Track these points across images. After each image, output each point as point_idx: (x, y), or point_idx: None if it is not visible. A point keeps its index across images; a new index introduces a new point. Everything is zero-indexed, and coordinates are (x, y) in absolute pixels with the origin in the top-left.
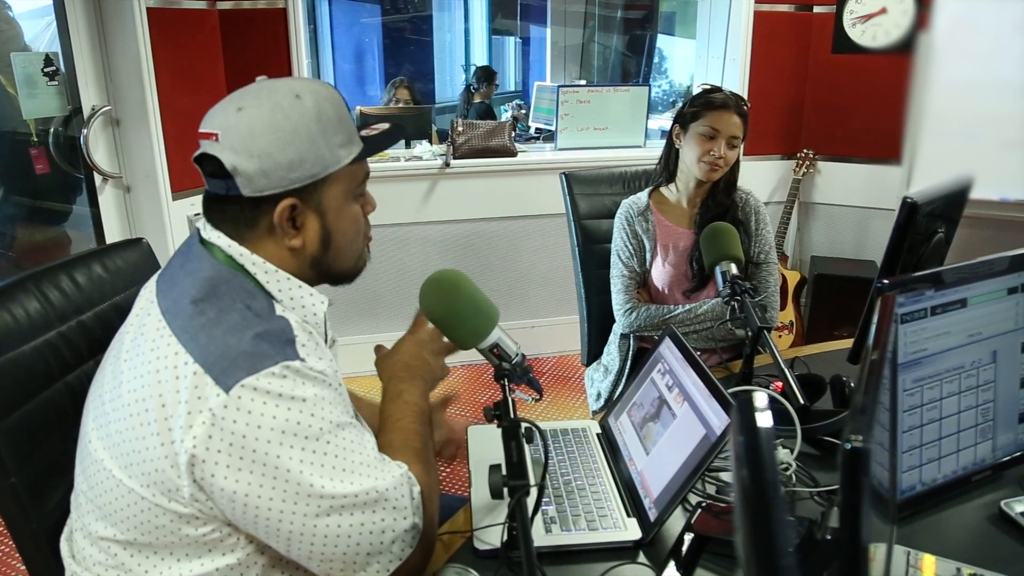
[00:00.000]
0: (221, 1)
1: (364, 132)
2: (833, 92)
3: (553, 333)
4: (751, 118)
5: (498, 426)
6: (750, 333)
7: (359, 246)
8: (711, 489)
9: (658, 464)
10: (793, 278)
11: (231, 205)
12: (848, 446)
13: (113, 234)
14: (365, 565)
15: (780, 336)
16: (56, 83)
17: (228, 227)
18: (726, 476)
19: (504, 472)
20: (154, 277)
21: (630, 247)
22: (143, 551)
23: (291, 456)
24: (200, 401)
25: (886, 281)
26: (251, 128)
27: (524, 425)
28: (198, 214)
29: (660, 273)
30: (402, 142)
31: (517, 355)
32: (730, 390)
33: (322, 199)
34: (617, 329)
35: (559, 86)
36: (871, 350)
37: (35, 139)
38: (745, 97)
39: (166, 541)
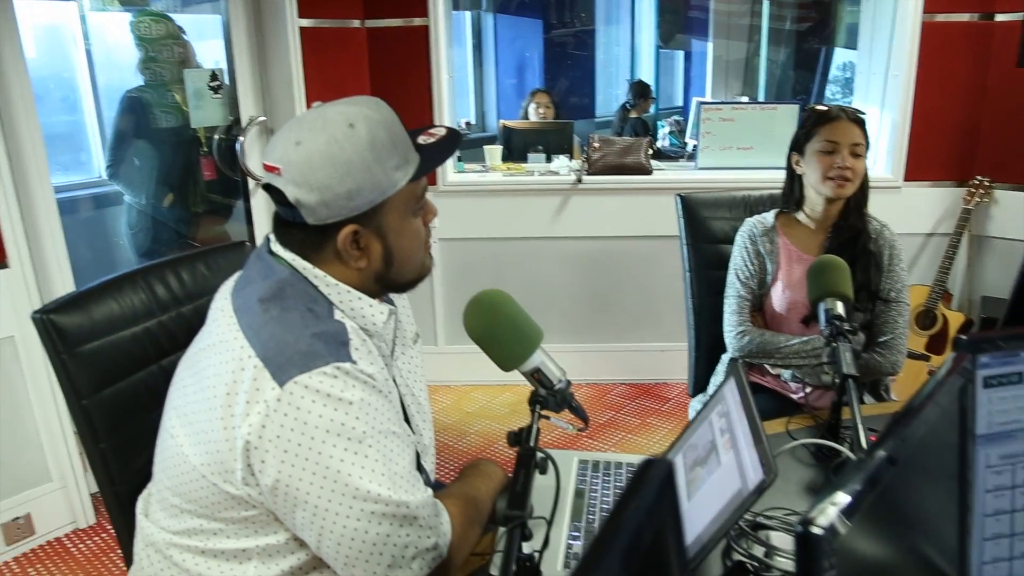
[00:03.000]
0: (369, 19)
1: (421, 139)
2: (1017, 112)
3: (685, 359)
4: (913, 142)
5: (518, 453)
6: (837, 380)
7: (421, 257)
8: (760, 551)
9: (695, 514)
10: (956, 320)
11: (297, 230)
12: (800, 528)
13: (263, 233)
14: None
15: None
16: (220, 96)
17: (296, 247)
18: (775, 538)
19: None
20: (231, 279)
21: (750, 267)
22: (199, 520)
23: (332, 454)
24: (258, 393)
25: (964, 337)
26: (309, 162)
27: (539, 455)
28: None
29: (779, 298)
30: (543, 156)
31: (560, 382)
32: (801, 440)
33: (382, 221)
34: (725, 356)
35: (700, 102)
36: (916, 410)
37: (204, 149)
38: (909, 116)
39: (218, 516)
